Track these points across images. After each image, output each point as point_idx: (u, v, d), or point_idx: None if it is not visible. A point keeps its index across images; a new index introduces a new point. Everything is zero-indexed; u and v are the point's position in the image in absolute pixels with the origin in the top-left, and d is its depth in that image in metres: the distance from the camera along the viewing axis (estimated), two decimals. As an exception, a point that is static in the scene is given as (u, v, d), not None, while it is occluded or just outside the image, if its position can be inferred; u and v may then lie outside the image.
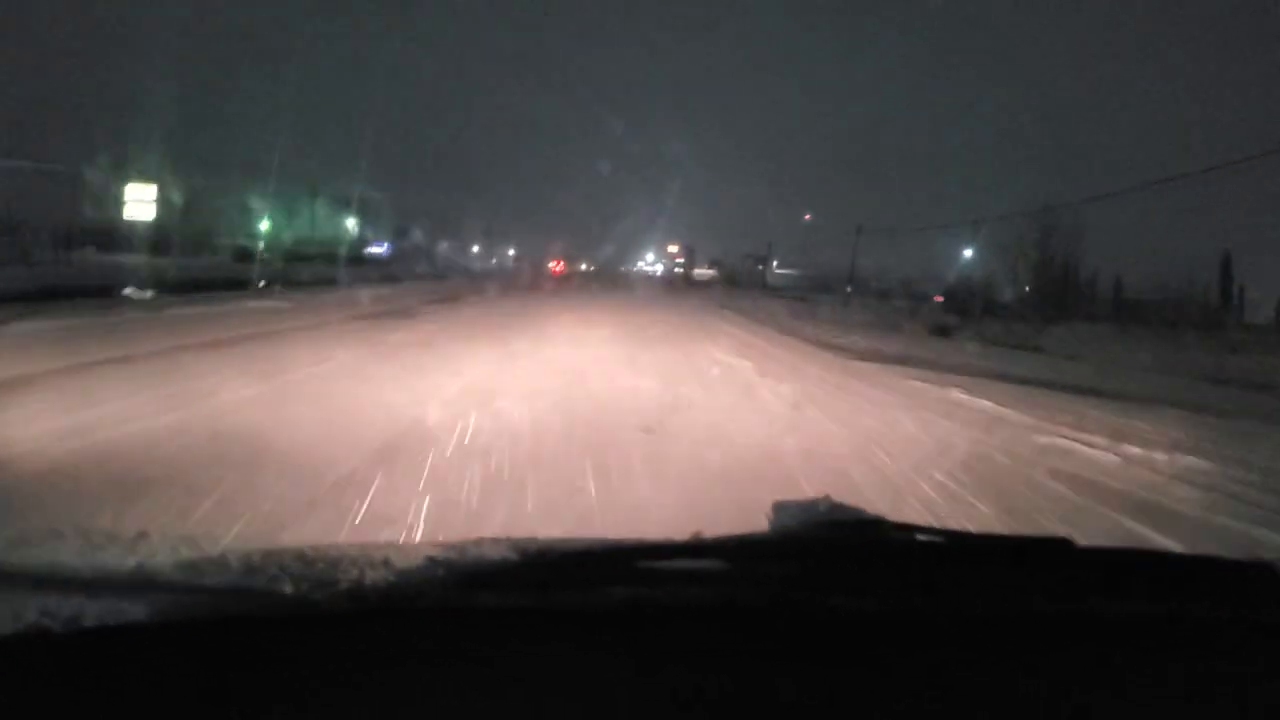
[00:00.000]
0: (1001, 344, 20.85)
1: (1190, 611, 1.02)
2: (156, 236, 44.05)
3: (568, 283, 52.38)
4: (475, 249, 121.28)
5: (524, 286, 39.76)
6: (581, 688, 0.82)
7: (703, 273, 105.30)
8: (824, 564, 1.04)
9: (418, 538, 3.69)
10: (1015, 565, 1.09)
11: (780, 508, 1.30)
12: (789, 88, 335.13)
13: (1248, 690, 0.91)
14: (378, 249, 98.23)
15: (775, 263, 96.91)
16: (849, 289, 45.28)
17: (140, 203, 49.32)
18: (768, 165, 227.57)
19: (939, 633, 0.95)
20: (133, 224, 46.63)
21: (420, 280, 37.53)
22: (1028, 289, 44.45)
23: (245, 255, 48.48)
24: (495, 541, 1.03)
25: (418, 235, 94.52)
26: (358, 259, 66.32)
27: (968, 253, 47.50)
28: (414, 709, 0.79)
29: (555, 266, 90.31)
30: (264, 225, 58.41)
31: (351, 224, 69.69)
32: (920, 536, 1.16)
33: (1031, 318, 31.65)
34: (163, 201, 50.60)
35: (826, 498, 1.30)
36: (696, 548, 1.03)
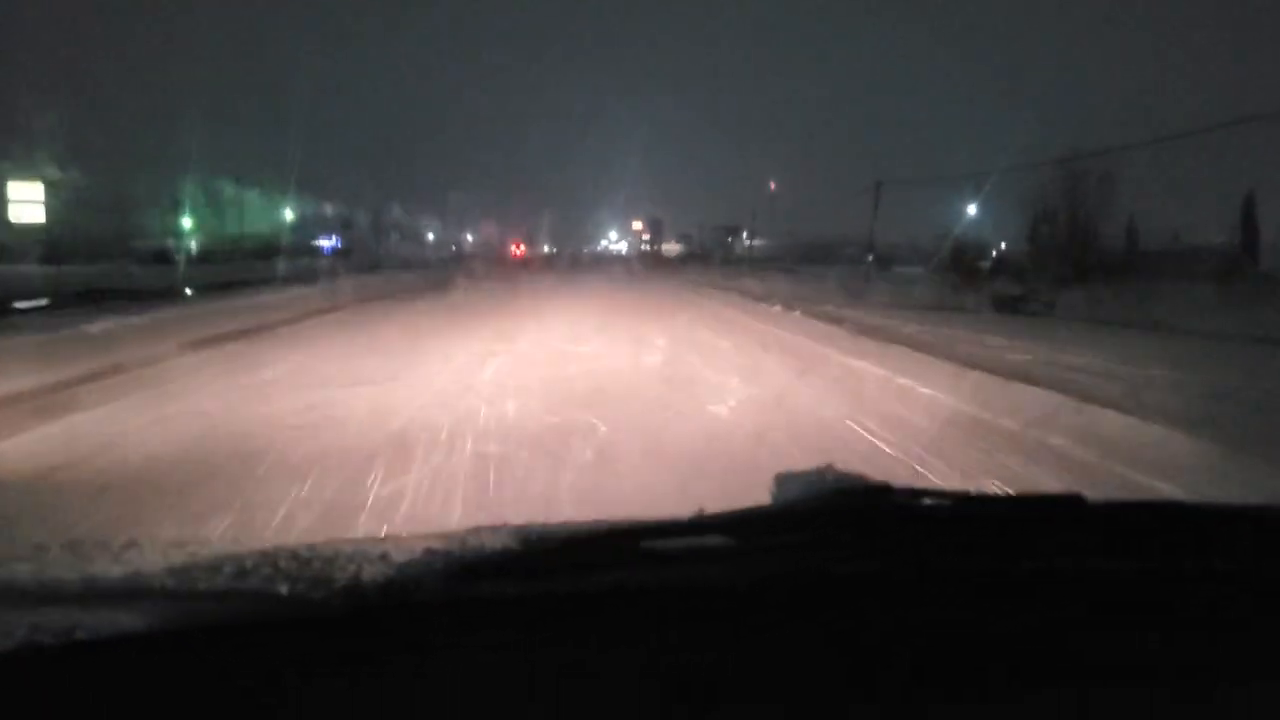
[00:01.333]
0: (1113, 321, 15.98)
1: (1206, 564, 1.00)
2: (55, 241, 38.96)
3: (524, 271, 47.34)
4: (430, 237, 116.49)
5: (477, 275, 35.85)
6: (588, 672, 0.82)
7: (671, 248, 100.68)
8: (831, 533, 1.02)
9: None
10: (1025, 524, 1.08)
11: (783, 479, 1.27)
12: (758, 46, 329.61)
13: (1271, 643, 0.91)
14: (325, 242, 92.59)
15: (746, 234, 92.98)
16: (870, 258, 39.68)
17: (25, 203, 42.74)
18: (737, 132, 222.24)
19: (951, 595, 0.94)
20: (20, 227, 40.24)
21: (356, 275, 32.22)
22: (1033, 246, 39.69)
23: (163, 257, 43.39)
24: (494, 530, 1.03)
25: (363, 226, 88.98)
26: (301, 254, 60.55)
27: (971, 209, 42.67)
28: (417, 703, 0.79)
29: (515, 250, 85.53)
30: (186, 223, 52.39)
31: (288, 217, 63.29)
32: (927, 500, 1.12)
33: (1040, 278, 27.46)
34: (70, 202, 44.93)
35: (830, 466, 1.26)
36: (699, 525, 1.03)
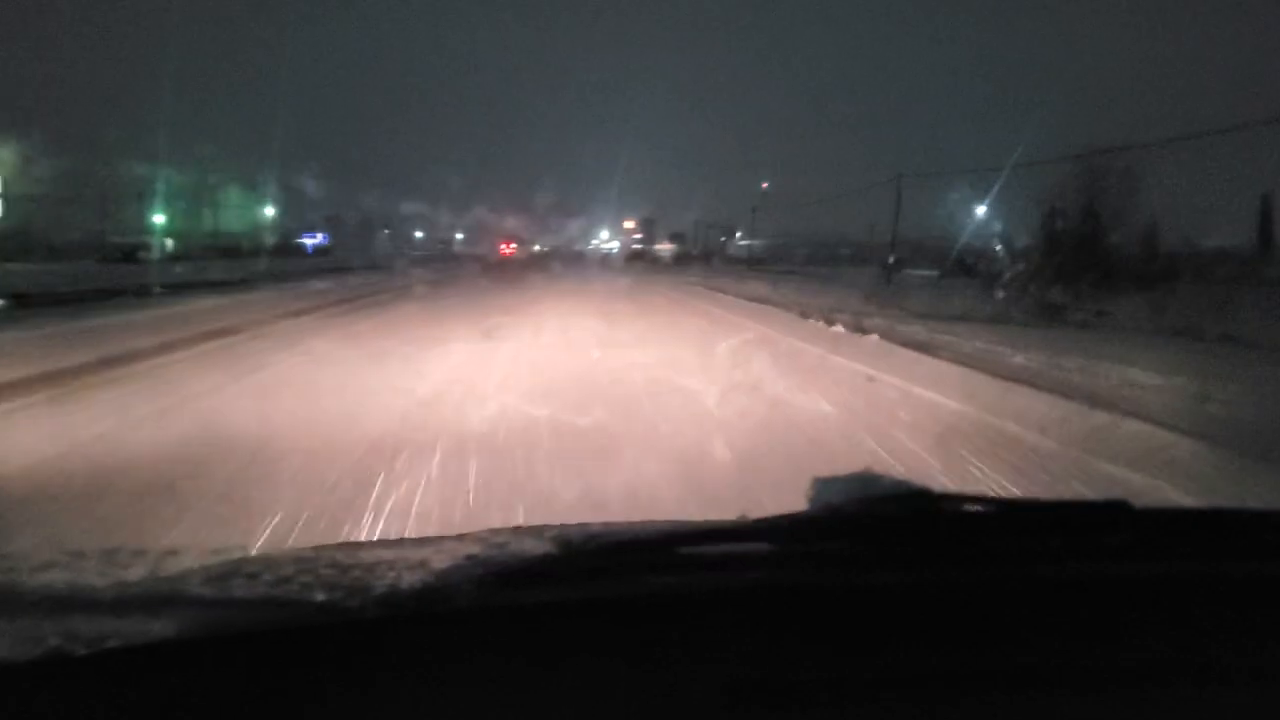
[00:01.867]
0: (1183, 333, 13.96)
1: (1251, 569, 0.99)
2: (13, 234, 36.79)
3: (513, 270, 43.53)
4: (418, 234, 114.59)
5: (462, 277, 32.96)
6: (625, 679, 0.80)
7: (663, 248, 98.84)
8: (873, 539, 1.00)
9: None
10: (1072, 530, 1.06)
11: (820, 484, 1.23)
12: (749, 46, 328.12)
13: None
14: (310, 239, 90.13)
15: (739, 233, 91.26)
16: (891, 260, 37.35)
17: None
18: (732, 132, 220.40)
19: (998, 602, 0.92)
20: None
21: (334, 275, 29.95)
22: (1045, 247, 37.83)
23: (131, 255, 41.28)
24: (532, 533, 1.02)
25: (355, 223, 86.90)
26: (284, 251, 58.35)
27: (980, 209, 40.68)
28: (451, 710, 0.78)
29: (505, 249, 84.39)
30: (158, 219, 50.12)
31: (269, 213, 60.97)
32: (970, 505, 1.09)
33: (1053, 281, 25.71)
34: (38, 197, 42.69)
35: (867, 470, 1.52)
36: (740, 531, 1.02)
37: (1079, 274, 22.14)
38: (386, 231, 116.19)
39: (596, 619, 0.86)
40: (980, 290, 23.90)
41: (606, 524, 1.08)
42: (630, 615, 0.87)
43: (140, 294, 17.86)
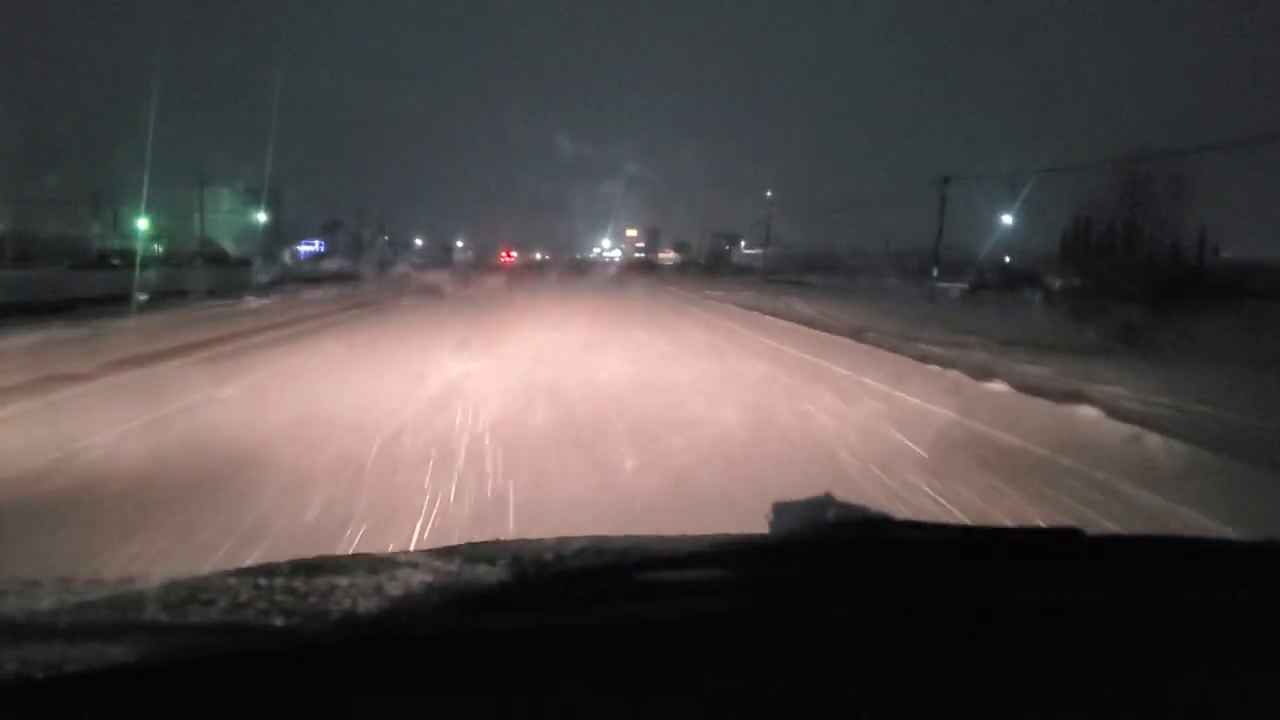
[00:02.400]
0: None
1: (1205, 599, 1.00)
2: None
3: (502, 280, 40.01)
4: (418, 242, 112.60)
5: (456, 286, 30.20)
6: (584, 708, 0.81)
7: (666, 256, 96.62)
8: (831, 566, 1.02)
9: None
10: (1024, 557, 1.07)
11: (781, 509, 1.26)
12: (759, 52, 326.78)
13: (1271, 678, 0.91)
14: (307, 247, 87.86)
15: (744, 243, 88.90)
16: (935, 272, 34.56)
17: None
18: (737, 141, 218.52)
19: (952, 630, 0.93)
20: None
21: (307, 286, 27.70)
22: (1075, 255, 35.49)
23: (105, 263, 39.17)
24: (490, 554, 1.02)
25: (351, 231, 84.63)
26: (276, 260, 56.11)
27: (1007, 219, 38.32)
28: None
29: (504, 258, 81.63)
30: (141, 224, 47.88)
31: (261, 219, 58.62)
32: (926, 533, 1.12)
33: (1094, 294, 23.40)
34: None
35: (828, 495, 1.26)
36: (699, 557, 1.03)
37: (1137, 288, 19.79)
38: (386, 239, 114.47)
39: (556, 647, 0.86)
40: (1025, 304, 21.73)
41: (560, 540, 1.10)
42: (590, 643, 0.87)
43: (58, 310, 15.31)
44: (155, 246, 55.12)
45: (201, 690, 0.78)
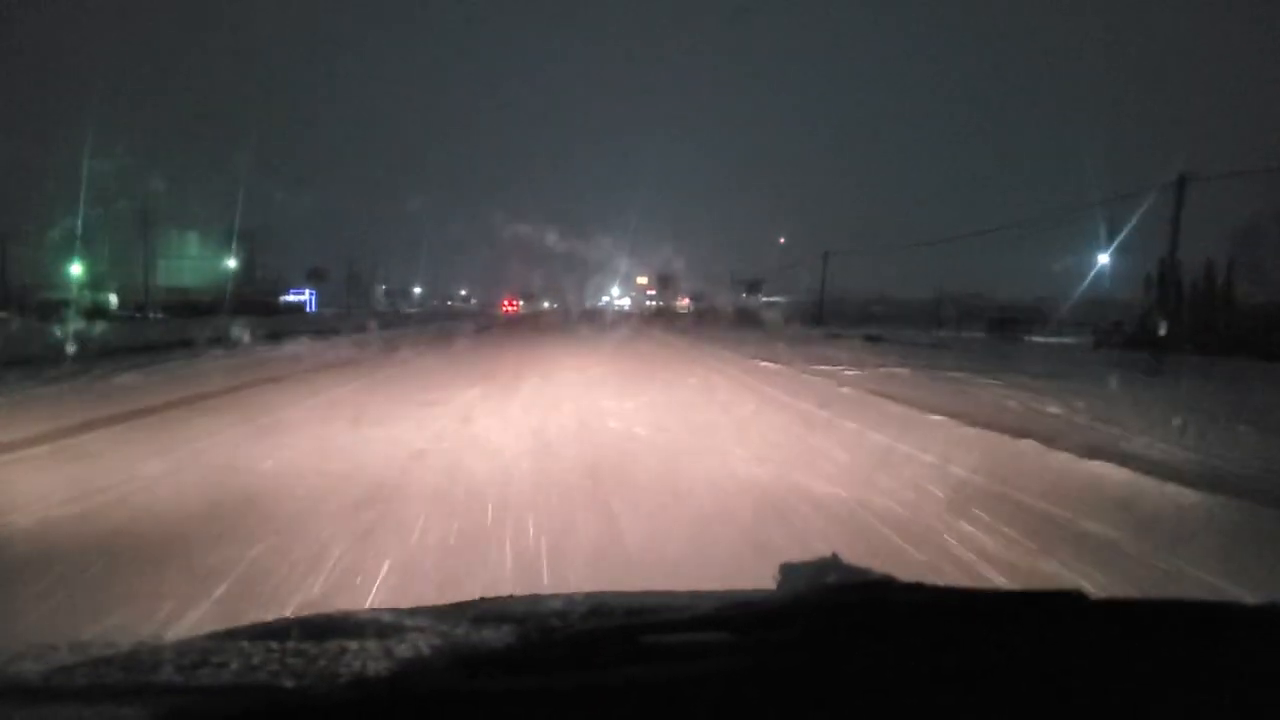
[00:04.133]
0: None
1: (1209, 662, 1.00)
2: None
3: (509, 334, 33.81)
4: (417, 290, 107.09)
5: (440, 343, 23.67)
6: None
7: (682, 305, 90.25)
8: (832, 628, 1.02)
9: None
10: (1027, 621, 1.07)
11: (788, 569, 1.26)
12: (769, 99, 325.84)
13: None
14: (297, 295, 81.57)
15: (760, 293, 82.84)
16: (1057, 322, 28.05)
17: None
18: (748, 187, 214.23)
19: (952, 694, 0.93)
20: None
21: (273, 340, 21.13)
22: (1161, 300, 28.70)
23: (52, 312, 33.08)
24: (497, 614, 1.06)
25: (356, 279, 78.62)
26: (256, 308, 49.75)
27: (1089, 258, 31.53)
28: None
29: (508, 307, 77.13)
30: (75, 269, 41.54)
31: (231, 264, 52.33)
32: (931, 596, 1.13)
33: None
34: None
35: (834, 557, 1.27)
36: (704, 619, 1.05)
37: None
38: (383, 288, 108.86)
39: (562, 709, 0.87)
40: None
41: (568, 598, 1.11)
42: (595, 705, 0.88)
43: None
44: (109, 296, 49.33)
45: None
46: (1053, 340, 30.33)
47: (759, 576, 1.63)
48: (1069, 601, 1.06)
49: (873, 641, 0.98)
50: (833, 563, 1.27)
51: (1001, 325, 35.77)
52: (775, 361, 17.58)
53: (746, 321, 48.74)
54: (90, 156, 33.41)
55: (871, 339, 31.27)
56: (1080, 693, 0.92)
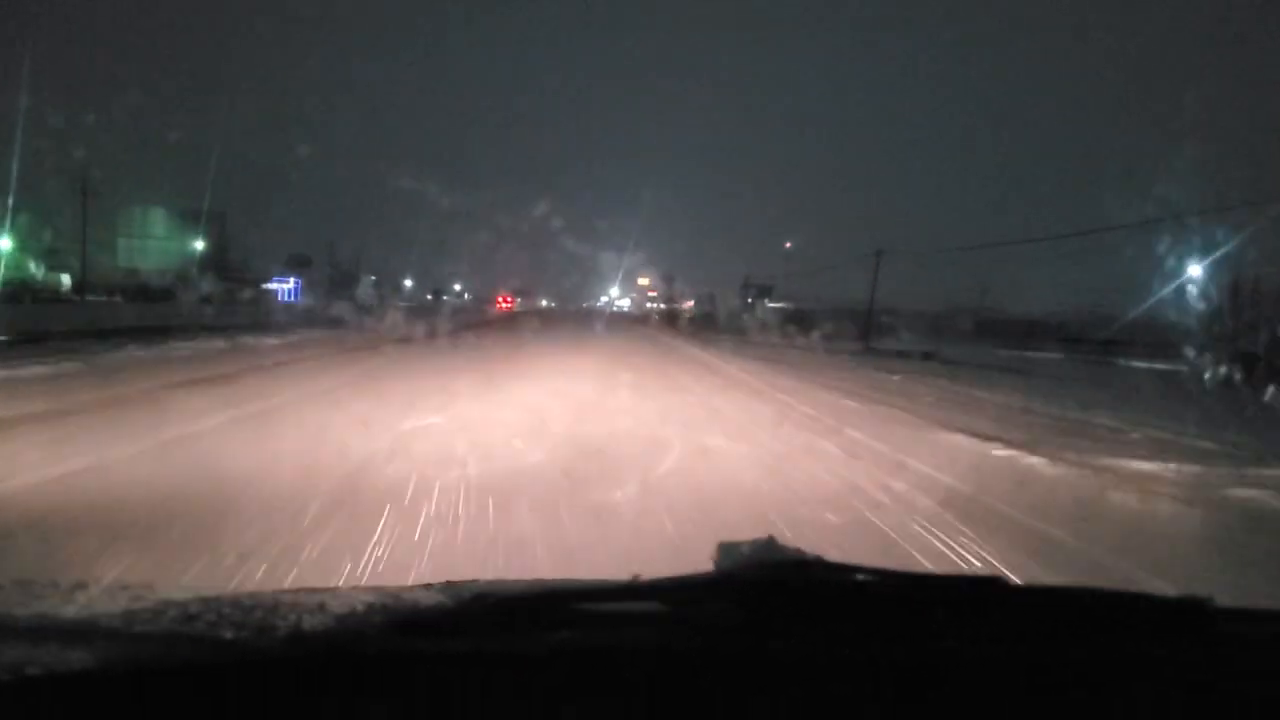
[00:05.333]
0: None
1: (1120, 650, 1.02)
2: None
3: (506, 331, 30.88)
4: (408, 283, 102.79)
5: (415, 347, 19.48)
6: None
7: (687, 308, 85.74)
8: (760, 605, 1.03)
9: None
10: (947, 605, 1.09)
11: (725, 548, 1.30)
12: (781, 97, 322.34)
13: None
14: (281, 284, 76.45)
15: (767, 299, 78.26)
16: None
17: None
18: (754, 188, 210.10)
19: (872, 675, 0.94)
20: None
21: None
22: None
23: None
24: (431, 587, 1.05)
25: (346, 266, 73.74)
26: (231, 296, 44.96)
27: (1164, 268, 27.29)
28: None
29: (502, 303, 76.86)
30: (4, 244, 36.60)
31: (198, 246, 47.45)
32: (857, 577, 1.13)
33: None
34: None
35: (770, 539, 1.30)
36: (635, 589, 1.04)
37: None
38: (373, 279, 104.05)
39: (496, 670, 0.88)
40: None
41: (496, 581, 1.13)
42: (525, 668, 0.89)
43: None
44: (62, 277, 44.60)
45: (156, 697, 0.80)
46: (1157, 365, 25.76)
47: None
48: (989, 587, 1.10)
49: (799, 619, 1.00)
50: (767, 543, 1.30)
51: (1080, 344, 31.28)
52: (855, 400, 12.84)
53: (799, 325, 42.94)
54: (31, 120, 28.66)
55: (928, 357, 26.58)
56: (993, 678, 0.95)
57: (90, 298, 40.47)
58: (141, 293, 39.86)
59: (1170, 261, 27.70)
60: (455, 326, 32.26)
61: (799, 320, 52.34)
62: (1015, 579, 1.23)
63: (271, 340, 19.67)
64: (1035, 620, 1.07)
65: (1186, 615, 1.10)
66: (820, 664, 0.94)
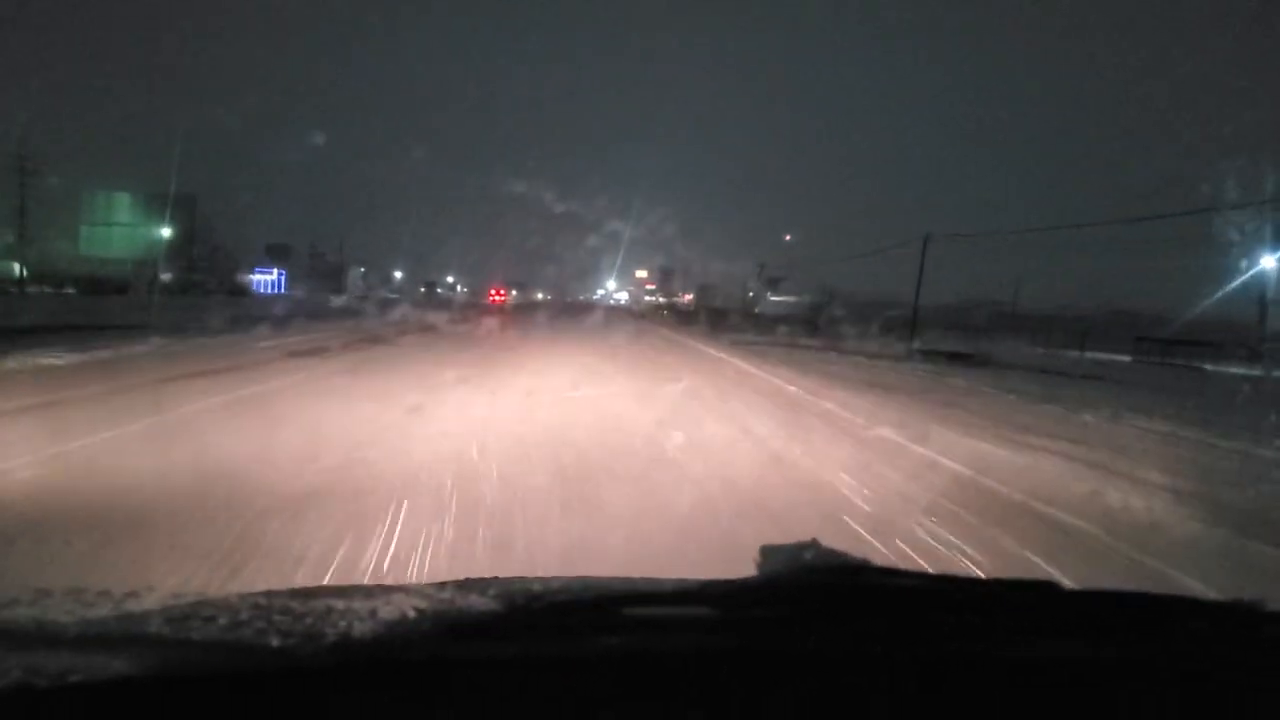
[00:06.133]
0: None
1: (1174, 653, 1.02)
2: None
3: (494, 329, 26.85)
4: (398, 275, 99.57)
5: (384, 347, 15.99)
6: None
7: (686, 301, 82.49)
8: (809, 609, 1.03)
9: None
10: (1001, 609, 1.08)
11: (768, 551, 1.27)
12: (780, 86, 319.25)
13: None
14: (262, 276, 72.41)
15: (770, 292, 74.81)
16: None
17: None
18: (756, 183, 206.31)
19: (924, 677, 0.93)
20: None
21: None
22: None
23: None
24: (482, 586, 1.04)
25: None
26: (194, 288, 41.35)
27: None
28: None
29: (495, 296, 74.05)
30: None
31: (165, 234, 43.55)
32: (905, 581, 1.13)
33: None
34: None
35: (814, 542, 1.26)
36: (684, 594, 1.04)
37: None
38: (361, 270, 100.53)
39: (544, 676, 0.87)
40: None
41: (553, 578, 1.12)
42: (574, 673, 0.88)
43: None
44: (14, 266, 40.89)
45: (198, 706, 0.80)
46: (1253, 372, 22.45)
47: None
48: (1041, 590, 1.09)
49: (848, 624, 0.99)
50: (812, 545, 1.26)
51: (1164, 347, 27.81)
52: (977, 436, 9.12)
53: (825, 324, 38.69)
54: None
55: (982, 362, 22.98)
56: (1049, 681, 0.93)
57: (39, 290, 36.75)
58: (94, 285, 36.08)
59: (1234, 253, 24.65)
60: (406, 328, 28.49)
61: (814, 314, 48.64)
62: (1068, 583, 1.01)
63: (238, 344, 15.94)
64: (1088, 623, 1.05)
65: (1239, 619, 1.10)
66: (872, 668, 0.93)
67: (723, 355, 21.47)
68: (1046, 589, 1.08)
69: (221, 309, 26.29)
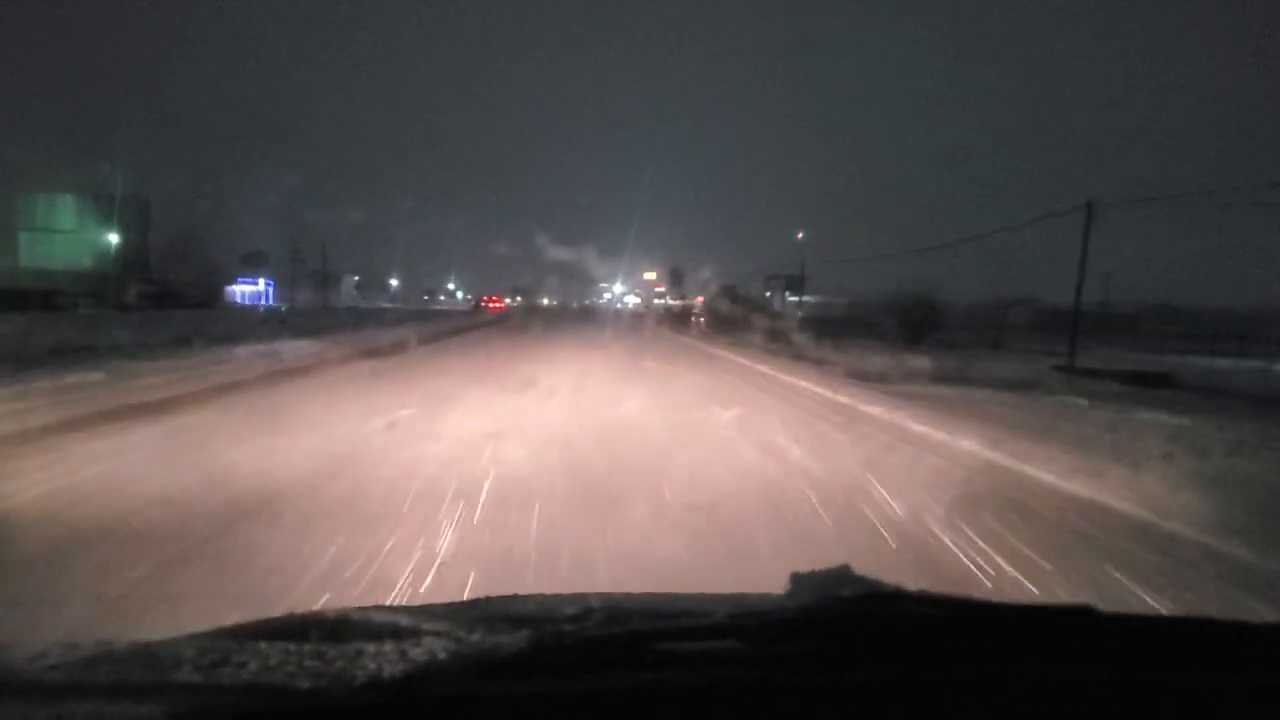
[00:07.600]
0: None
1: (1214, 678, 1.00)
2: None
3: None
4: (394, 282, 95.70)
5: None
6: None
7: (674, 305, 77.03)
8: (844, 639, 1.03)
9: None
10: (1037, 634, 1.08)
11: (799, 579, 1.27)
12: (792, 83, 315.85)
13: None
14: (247, 287, 67.61)
15: (788, 293, 69.70)
16: None
17: None
18: (767, 183, 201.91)
19: (963, 705, 0.94)
20: None
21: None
22: None
23: None
24: (509, 615, 1.07)
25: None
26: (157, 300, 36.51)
27: None
28: None
29: (491, 304, 72.20)
30: None
31: (113, 239, 38.62)
32: (941, 609, 1.12)
33: None
34: None
35: (845, 567, 1.25)
36: (716, 628, 1.04)
37: None
38: (356, 279, 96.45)
39: (575, 712, 0.88)
40: None
41: (579, 599, 1.11)
42: (606, 711, 0.89)
43: None
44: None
45: None
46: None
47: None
48: (1078, 615, 1.07)
49: (884, 654, 0.98)
50: (844, 572, 1.22)
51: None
52: None
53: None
54: None
55: (1158, 382, 17.19)
56: (1089, 708, 0.93)
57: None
58: (19, 299, 31.11)
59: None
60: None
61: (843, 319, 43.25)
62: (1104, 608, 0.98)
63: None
64: (1126, 647, 1.05)
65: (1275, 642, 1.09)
66: (910, 698, 0.92)
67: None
68: (1086, 614, 1.07)
69: (185, 323, 20.68)
